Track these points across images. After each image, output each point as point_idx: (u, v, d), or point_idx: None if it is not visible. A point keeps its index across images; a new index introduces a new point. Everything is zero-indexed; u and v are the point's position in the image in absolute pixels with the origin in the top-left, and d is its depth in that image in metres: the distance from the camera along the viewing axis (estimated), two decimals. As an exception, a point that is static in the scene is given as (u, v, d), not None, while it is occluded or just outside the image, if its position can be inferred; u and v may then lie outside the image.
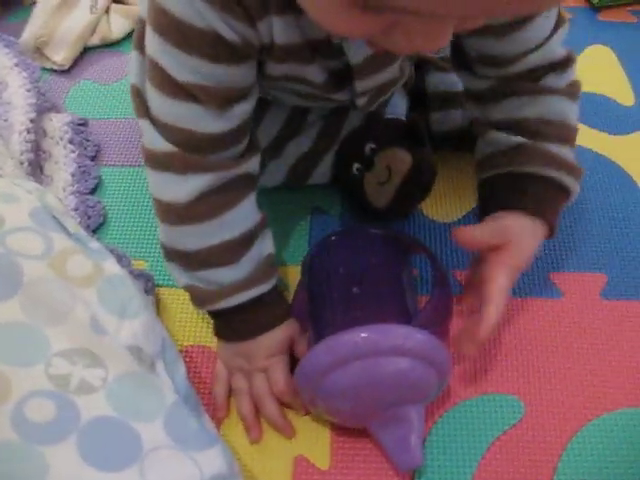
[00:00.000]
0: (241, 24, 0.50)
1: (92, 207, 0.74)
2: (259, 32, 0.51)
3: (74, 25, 0.93)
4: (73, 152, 0.79)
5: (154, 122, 0.55)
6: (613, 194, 0.77)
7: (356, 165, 0.73)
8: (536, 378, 0.63)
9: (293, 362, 0.60)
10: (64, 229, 0.55)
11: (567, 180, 0.62)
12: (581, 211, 0.76)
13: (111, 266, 0.55)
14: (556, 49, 0.61)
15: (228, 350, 0.62)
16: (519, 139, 0.62)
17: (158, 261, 0.71)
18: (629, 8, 1.02)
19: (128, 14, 0.95)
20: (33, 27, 0.93)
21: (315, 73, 0.58)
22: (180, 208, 0.56)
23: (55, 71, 0.92)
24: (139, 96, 0.57)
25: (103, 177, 0.79)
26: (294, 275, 0.69)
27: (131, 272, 0.62)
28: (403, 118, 0.75)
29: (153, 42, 0.52)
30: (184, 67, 0.51)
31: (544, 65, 0.61)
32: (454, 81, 0.77)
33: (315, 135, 0.74)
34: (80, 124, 0.82)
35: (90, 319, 0.50)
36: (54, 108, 0.84)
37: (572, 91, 0.64)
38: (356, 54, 0.56)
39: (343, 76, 0.59)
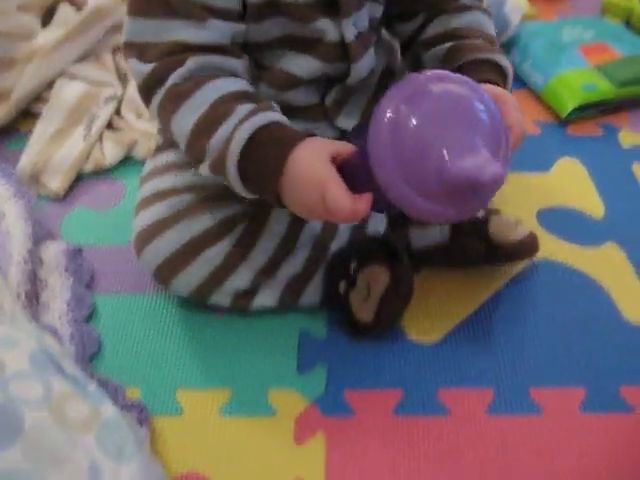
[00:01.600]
0: None
1: (87, 335, 0.76)
2: None
3: (69, 153, 0.98)
4: (68, 280, 0.82)
5: (141, 53, 0.64)
6: (587, 306, 0.80)
7: (343, 283, 0.77)
8: (520, 497, 0.64)
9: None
10: (62, 371, 0.58)
11: (504, 61, 0.72)
12: (556, 324, 0.79)
13: (108, 409, 0.57)
14: None
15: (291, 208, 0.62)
16: (453, 42, 0.73)
17: (152, 388, 0.73)
18: (596, 121, 1.07)
19: (121, 141, 1.00)
20: (29, 155, 0.97)
21: None
22: (166, 95, 0.63)
23: (51, 198, 0.95)
24: (127, 43, 0.66)
25: (98, 304, 0.81)
26: (285, 399, 0.71)
27: (124, 405, 0.64)
28: (383, 232, 0.80)
29: None
30: None
31: None
32: (436, 235, 0.82)
33: (306, 256, 0.77)
34: (75, 251, 0.85)
35: (89, 465, 0.52)
36: (50, 235, 0.88)
37: (487, 10, 0.77)
38: None
39: None
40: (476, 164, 0.52)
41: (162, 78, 0.63)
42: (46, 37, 1.10)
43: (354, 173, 0.58)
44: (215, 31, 0.64)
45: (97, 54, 1.12)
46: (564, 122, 1.06)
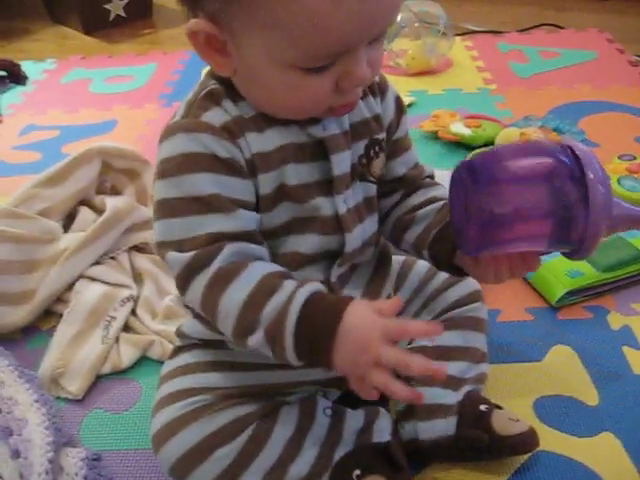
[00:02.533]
0: (228, 143, 0.72)
1: None
2: (240, 147, 0.73)
3: (88, 356, 1.03)
4: (88, 489, 0.85)
5: (179, 247, 0.71)
6: (589, 501, 0.83)
7: None
8: None
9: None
10: None
11: None
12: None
13: None
14: (427, 168, 0.92)
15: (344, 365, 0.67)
16: (439, 203, 0.85)
17: None
18: (585, 304, 1.13)
19: (137, 343, 1.06)
20: (51, 358, 1.03)
21: (294, 171, 0.76)
22: (214, 277, 0.70)
23: (69, 399, 1.00)
24: (162, 242, 0.74)
25: (116, 514, 0.84)
26: None
27: None
28: (386, 441, 0.83)
29: (160, 187, 0.73)
30: (193, 185, 0.71)
31: (427, 175, 0.91)
32: (439, 395, 0.87)
33: (312, 459, 0.80)
34: (94, 459, 0.88)
35: None
36: (70, 442, 0.91)
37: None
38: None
39: (318, 159, 0.78)
40: None
41: (205, 264, 0.70)
42: (68, 240, 1.18)
43: None
44: (244, 219, 0.73)
45: (114, 254, 1.20)
46: (555, 307, 1.12)
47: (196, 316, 0.85)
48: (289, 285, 0.69)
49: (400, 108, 0.88)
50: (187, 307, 0.87)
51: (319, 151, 0.78)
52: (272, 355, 0.70)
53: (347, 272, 0.85)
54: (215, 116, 0.73)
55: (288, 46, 0.66)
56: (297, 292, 0.68)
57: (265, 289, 0.69)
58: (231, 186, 0.72)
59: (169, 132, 0.74)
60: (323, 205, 0.79)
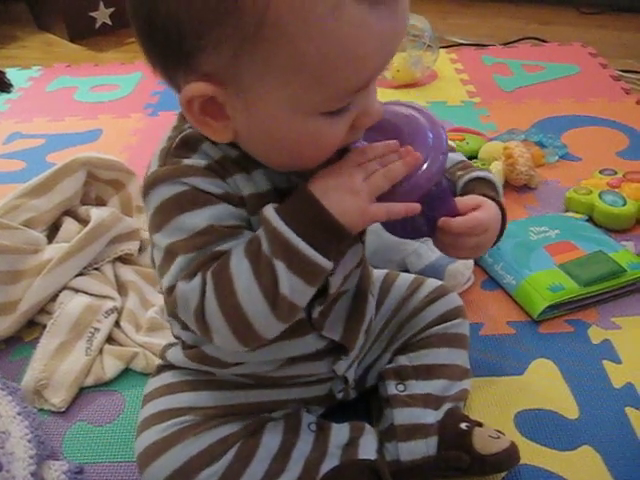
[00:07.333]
0: (217, 180, 0.69)
1: None
2: (230, 186, 0.70)
3: (71, 368, 1.03)
4: (70, 502, 0.85)
5: (187, 278, 0.67)
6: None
7: None
8: None
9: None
10: None
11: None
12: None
13: None
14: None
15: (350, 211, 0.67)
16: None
17: None
18: (566, 317, 1.14)
19: (121, 355, 1.06)
20: (34, 371, 1.02)
21: None
22: (213, 276, 0.67)
23: (52, 411, 0.99)
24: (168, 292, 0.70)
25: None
26: None
27: None
28: (372, 458, 0.84)
29: (159, 240, 0.69)
30: (189, 222, 0.67)
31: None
32: (419, 414, 0.87)
33: (297, 475, 0.80)
34: (76, 472, 0.88)
35: None
36: (52, 455, 0.91)
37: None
38: None
39: None
40: None
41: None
42: (52, 251, 1.18)
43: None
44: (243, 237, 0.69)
45: (98, 265, 1.20)
46: (536, 321, 1.13)
47: (186, 347, 0.85)
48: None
49: None
50: (177, 338, 0.87)
51: None
52: (308, 283, 0.67)
53: (328, 305, 0.81)
54: (196, 161, 0.69)
55: (316, 88, 0.60)
56: (265, 214, 0.67)
57: (255, 243, 0.66)
58: (229, 214, 0.69)
59: (150, 185, 0.70)
60: None
